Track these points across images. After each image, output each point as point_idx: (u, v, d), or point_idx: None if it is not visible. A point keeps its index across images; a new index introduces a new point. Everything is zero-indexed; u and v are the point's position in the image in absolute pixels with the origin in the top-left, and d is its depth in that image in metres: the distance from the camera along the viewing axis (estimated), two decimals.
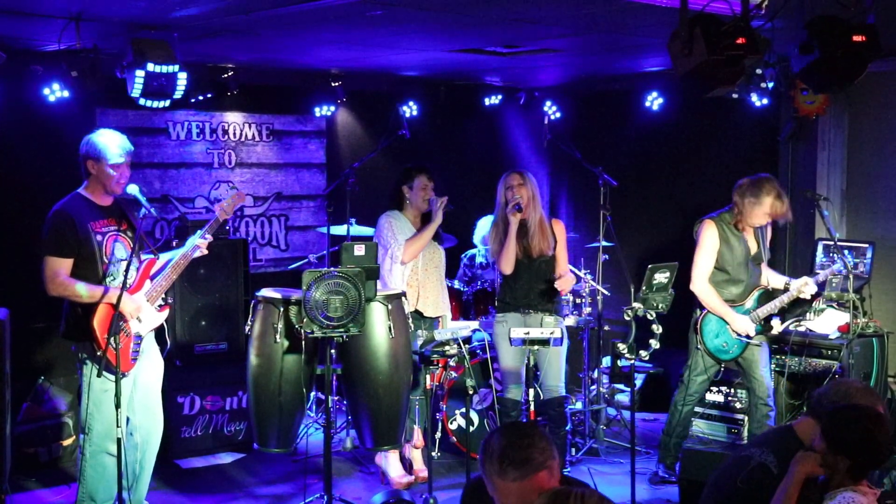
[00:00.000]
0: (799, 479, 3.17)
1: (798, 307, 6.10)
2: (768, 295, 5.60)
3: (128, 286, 4.58)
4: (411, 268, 5.70)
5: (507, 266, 5.48)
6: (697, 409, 6.41)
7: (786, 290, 5.58)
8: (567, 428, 5.73)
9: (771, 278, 5.71)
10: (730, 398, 6.42)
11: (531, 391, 5.00)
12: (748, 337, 5.48)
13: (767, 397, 5.53)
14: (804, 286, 5.50)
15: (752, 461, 3.38)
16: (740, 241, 5.47)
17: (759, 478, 3.37)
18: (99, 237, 4.63)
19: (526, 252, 5.51)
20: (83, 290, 4.54)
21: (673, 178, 7.90)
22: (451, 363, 5.30)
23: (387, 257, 5.62)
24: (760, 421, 5.53)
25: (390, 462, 5.71)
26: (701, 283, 5.48)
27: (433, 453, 5.45)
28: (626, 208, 7.37)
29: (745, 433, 6.07)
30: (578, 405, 6.63)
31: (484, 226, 6.94)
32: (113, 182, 4.65)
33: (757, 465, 3.34)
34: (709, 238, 5.44)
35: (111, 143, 4.65)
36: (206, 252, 4.88)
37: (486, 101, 8.23)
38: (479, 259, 7.09)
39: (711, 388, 6.46)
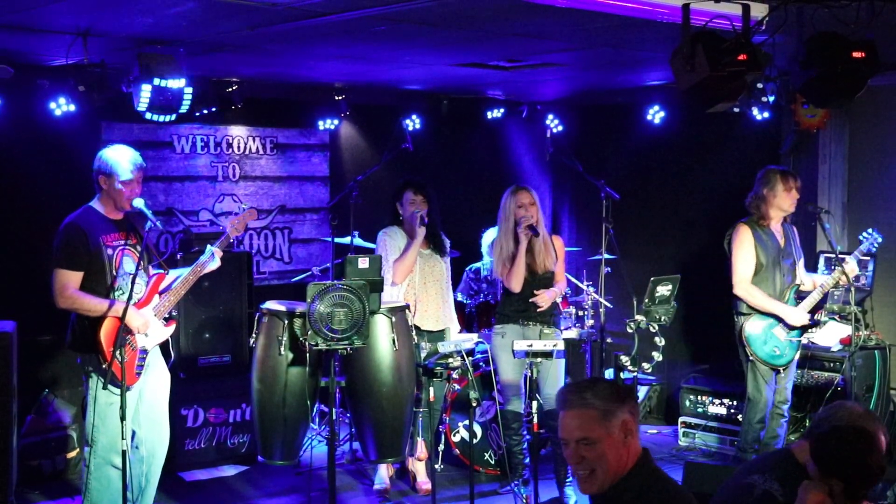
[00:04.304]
0: None
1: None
2: (802, 292, 5.65)
3: (136, 300, 4.60)
4: (408, 283, 5.68)
5: (517, 285, 5.47)
6: (700, 421, 6.42)
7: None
8: None
9: (804, 278, 5.74)
10: (732, 411, 6.42)
11: (534, 403, 5.01)
12: (801, 332, 5.49)
13: (784, 404, 5.57)
14: (846, 266, 5.51)
15: (755, 489, 3.30)
16: (770, 237, 5.60)
17: None
18: (109, 251, 4.67)
19: (531, 269, 5.52)
20: (92, 304, 4.57)
21: (675, 191, 7.92)
22: (455, 375, 5.31)
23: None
24: (773, 429, 5.56)
25: (378, 470, 5.73)
26: (745, 286, 5.51)
27: (436, 465, 5.46)
28: (629, 221, 7.39)
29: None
30: None
31: (490, 237, 6.93)
32: (123, 198, 4.68)
33: (761, 493, 3.28)
34: (745, 241, 5.55)
35: (122, 160, 4.69)
36: (219, 264, 4.91)
37: (489, 115, 8.24)
38: (483, 272, 7.08)
39: (714, 400, 6.47)
